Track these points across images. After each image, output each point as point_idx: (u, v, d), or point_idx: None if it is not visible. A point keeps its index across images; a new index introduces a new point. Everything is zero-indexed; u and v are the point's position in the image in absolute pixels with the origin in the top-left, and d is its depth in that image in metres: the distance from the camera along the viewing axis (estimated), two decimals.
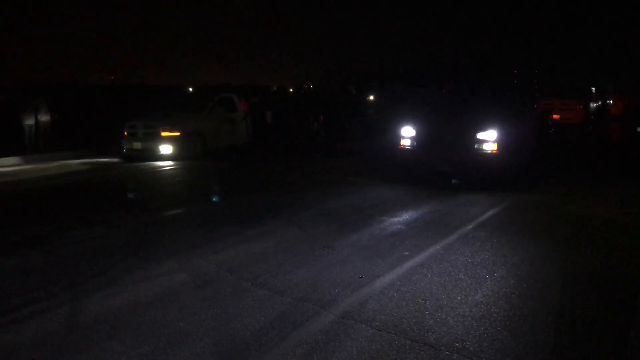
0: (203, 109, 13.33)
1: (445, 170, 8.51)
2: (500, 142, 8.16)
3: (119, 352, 3.12)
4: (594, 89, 26.06)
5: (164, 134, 12.29)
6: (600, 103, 25.32)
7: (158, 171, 10.88)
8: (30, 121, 13.29)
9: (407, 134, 8.77)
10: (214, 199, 8.04)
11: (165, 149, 12.26)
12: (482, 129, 8.25)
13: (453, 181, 8.43)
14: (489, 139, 8.19)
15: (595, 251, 5.08)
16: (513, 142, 8.48)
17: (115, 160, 12.57)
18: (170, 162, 11.91)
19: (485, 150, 8.19)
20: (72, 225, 6.13)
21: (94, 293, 4.04)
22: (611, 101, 22.43)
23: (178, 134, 12.40)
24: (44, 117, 13.61)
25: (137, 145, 12.49)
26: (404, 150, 8.81)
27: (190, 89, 22.45)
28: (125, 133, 12.76)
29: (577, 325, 3.44)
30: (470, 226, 5.96)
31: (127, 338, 3.29)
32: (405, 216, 6.46)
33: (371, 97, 16.73)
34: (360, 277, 4.32)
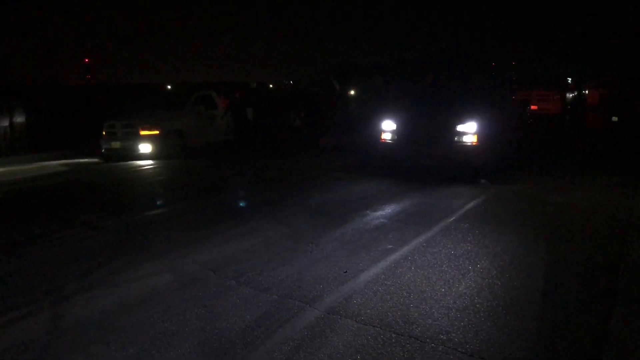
0: (182, 107, 13.22)
1: (426, 164, 8.58)
2: (480, 133, 8.24)
3: (103, 355, 3.09)
4: (570, 79, 26.48)
5: (143, 132, 12.16)
6: (576, 93, 25.73)
7: (138, 170, 10.76)
8: (4, 123, 13.04)
9: (388, 127, 8.80)
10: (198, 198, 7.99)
11: (145, 147, 12.14)
12: (462, 121, 8.32)
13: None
14: (469, 131, 8.26)
15: (576, 240, 5.16)
16: (493, 134, 8.57)
17: (95, 160, 12.39)
18: (150, 161, 11.79)
19: (465, 142, 8.27)
20: (52, 228, 6.04)
21: (76, 296, 3.99)
22: (587, 91, 22.79)
23: (157, 132, 12.28)
24: (19, 119, 13.36)
25: (116, 144, 12.33)
26: (385, 144, 8.84)
27: (169, 87, 22.20)
28: (104, 132, 12.59)
29: (559, 314, 3.50)
30: (453, 218, 6.01)
31: (112, 341, 3.25)
32: (388, 210, 6.49)
33: (352, 92, 16.76)
34: (345, 272, 4.33)
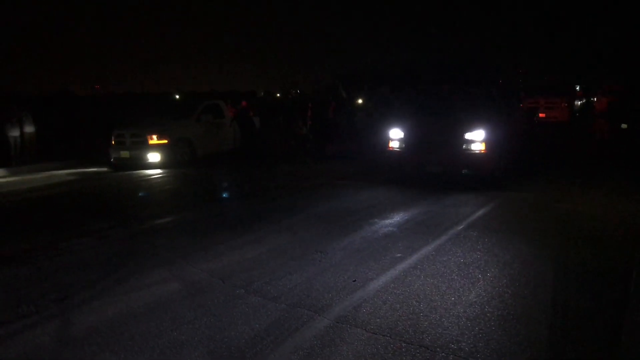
0: (190, 116, 13.29)
1: (434, 171, 8.54)
2: (488, 141, 8.22)
3: None
4: (578, 86, 26.41)
5: (151, 141, 12.22)
6: (584, 100, 25.64)
7: (147, 179, 10.80)
8: (15, 133, 13.16)
9: (396, 135, 8.79)
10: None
11: (154, 156, 12.19)
12: (470, 129, 8.30)
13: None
14: (477, 139, 8.23)
15: (585, 247, 5.11)
16: (501, 142, 8.55)
17: (103, 169, 12.46)
18: (159, 170, 11.83)
19: (473, 150, 8.24)
20: (61, 236, 6.06)
21: (84, 305, 4.00)
22: (595, 98, 22.73)
23: (166, 141, 12.34)
24: (29, 129, 13.49)
25: (125, 153, 12.39)
26: (392, 152, 8.83)
27: (177, 96, 22.33)
28: (113, 142, 12.66)
29: (570, 322, 3.46)
30: (461, 226, 5.98)
31: (120, 350, 3.25)
32: (396, 218, 6.47)
33: (360, 101, 16.79)
34: (354, 281, 4.32)
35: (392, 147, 8.81)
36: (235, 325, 3.54)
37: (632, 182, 8.45)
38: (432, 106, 10.17)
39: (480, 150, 8.21)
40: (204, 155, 13.21)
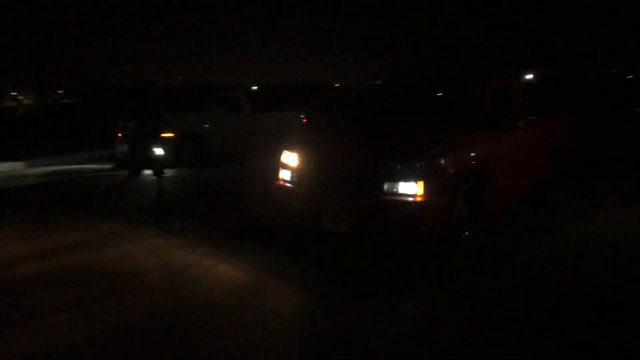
0: (203, 109, 11.61)
1: (335, 230, 4.98)
2: (428, 181, 4.46)
3: None
4: None
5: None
6: None
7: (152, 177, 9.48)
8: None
9: (289, 162, 5.43)
10: None
11: (160, 151, 10.76)
12: (400, 158, 4.61)
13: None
14: (410, 177, 4.50)
15: None
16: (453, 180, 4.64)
17: (108, 166, 11.64)
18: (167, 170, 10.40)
19: (401, 195, 4.52)
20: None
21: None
22: None
23: (172, 135, 10.85)
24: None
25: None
26: (282, 188, 5.47)
27: (188, 88, 20.76)
28: (119, 135, 11.70)
29: None
30: None
31: None
32: None
33: None
34: None
35: (282, 180, 5.48)
36: None
37: None
38: (359, 116, 6.38)
39: (415, 195, 4.47)
40: (218, 152, 11.48)
